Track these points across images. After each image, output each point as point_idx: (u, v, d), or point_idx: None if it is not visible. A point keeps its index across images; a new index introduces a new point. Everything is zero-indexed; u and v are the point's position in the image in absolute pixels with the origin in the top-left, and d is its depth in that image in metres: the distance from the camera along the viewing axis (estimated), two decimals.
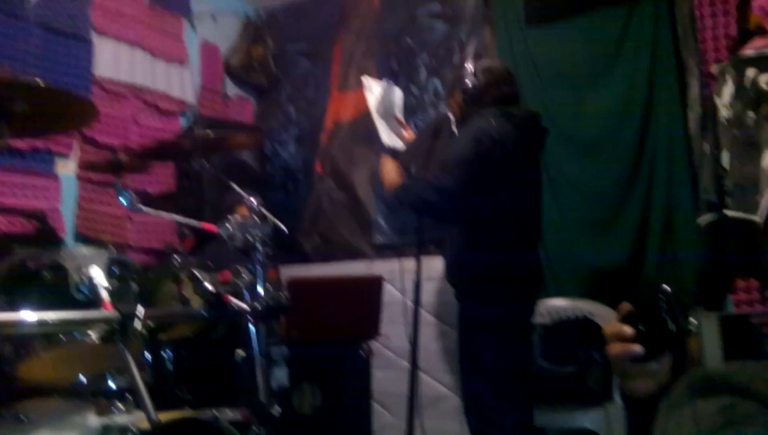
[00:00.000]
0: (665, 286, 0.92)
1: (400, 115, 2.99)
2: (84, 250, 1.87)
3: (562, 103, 3.07)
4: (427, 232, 2.77)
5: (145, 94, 3.67)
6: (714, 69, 2.54)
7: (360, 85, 3.84)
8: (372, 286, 2.46)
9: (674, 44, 2.89)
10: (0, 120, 1.68)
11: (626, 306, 0.97)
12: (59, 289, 1.71)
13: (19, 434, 1.54)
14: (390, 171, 2.50)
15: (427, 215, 2.41)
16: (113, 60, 3.51)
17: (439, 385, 3.01)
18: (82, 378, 1.89)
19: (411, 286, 2.70)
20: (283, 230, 2.14)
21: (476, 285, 2.18)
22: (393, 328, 2.87)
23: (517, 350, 2.24)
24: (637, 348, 0.91)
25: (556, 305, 2.84)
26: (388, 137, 2.80)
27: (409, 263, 2.90)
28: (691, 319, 2.16)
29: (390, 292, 3.00)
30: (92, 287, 1.70)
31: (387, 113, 2.88)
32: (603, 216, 2.95)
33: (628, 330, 0.92)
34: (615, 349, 0.93)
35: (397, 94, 2.98)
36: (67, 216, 3.25)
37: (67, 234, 3.23)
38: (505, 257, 2.17)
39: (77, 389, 1.88)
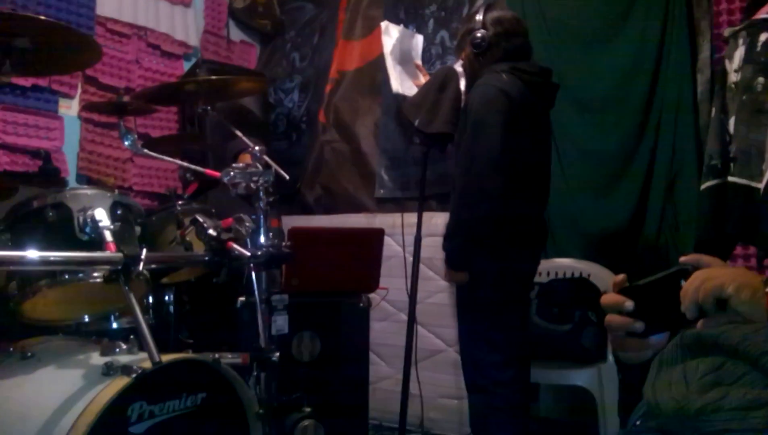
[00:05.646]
0: (688, 265, 0.89)
1: (419, 60, 2.96)
2: (88, 191, 1.87)
3: (570, 61, 3.03)
4: (429, 188, 2.78)
5: (148, 36, 3.62)
6: (726, 32, 2.49)
7: (366, 35, 3.81)
8: (373, 239, 2.47)
9: (687, 5, 2.83)
10: (1, 56, 1.67)
11: (621, 279, 0.94)
12: (63, 229, 1.73)
13: (24, 370, 1.58)
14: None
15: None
16: None
17: (436, 339, 3.07)
18: (86, 317, 1.93)
19: (411, 241, 2.73)
20: (285, 179, 2.14)
21: (486, 242, 2.19)
22: (392, 281, 2.90)
23: (515, 307, 2.27)
24: (638, 325, 0.89)
25: (554, 265, 2.87)
26: (399, 84, 2.79)
27: (411, 217, 2.92)
28: None
29: (390, 246, 3.03)
30: (96, 228, 1.71)
31: (404, 59, 2.86)
32: (606, 177, 2.94)
33: (628, 304, 0.90)
34: (614, 320, 0.92)
35: (418, 40, 2.96)
36: (70, 157, 3.25)
37: (70, 175, 3.24)
38: (512, 214, 2.16)
39: (81, 328, 1.92)
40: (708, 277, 0.86)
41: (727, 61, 2.42)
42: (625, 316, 0.91)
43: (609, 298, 0.93)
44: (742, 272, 0.88)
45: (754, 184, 2.24)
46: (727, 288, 0.84)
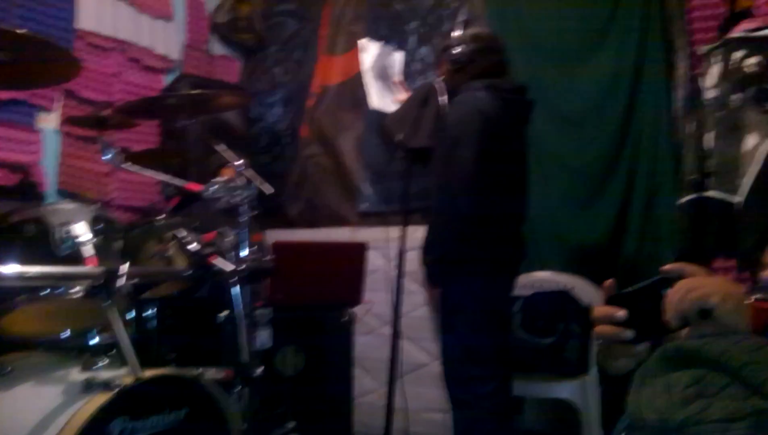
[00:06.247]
0: (672, 274, 0.91)
1: (399, 77, 2.98)
2: (67, 206, 1.85)
3: (550, 76, 3.07)
4: (412, 201, 2.78)
5: (129, 50, 3.60)
6: (702, 49, 2.55)
7: (348, 50, 3.83)
8: (356, 253, 2.47)
9: (663, 23, 2.89)
10: None
11: (610, 284, 0.97)
12: (42, 244, 1.70)
13: (2, 386, 1.55)
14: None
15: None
16: (97, 13, 3.44)
17: (420, 352, 3.06)
18: (66, 333, 1.89)
19: (395, 254, 2.73)
20: (268, 193, 2.14)
21: (462, 257, 2.20)
22: (376, 295, 2.89)
23: (497, 320, 2.28)
24: (628, 332, 0.91)
25: (537, 278, 2.88)
26: (378, 100, 2.80)
27: (394, 231, 2.93)
28: None
29: (374, 260, 3.03)
30: (76, 243, 1.69)
31: (383, 75, 2.88)
32: (586, 191, 2.98)
33: (620, 313, 0.91)
34: (604, 330, 0.93)
35: (397, 57, 2.98)
36: (49, 170, 3.21)
37: (50, 189, 3.20)
38: (489, 232, 2.18)
39: (61, 344, 1.89)
40: (692, 287, 0.87)
41: (702, 78, 2.47)
42: (615, 325, 0.92)
43: (601, 310, 0.94)
44: (725, 282, 0.89)
45: (731, 197, 2.28)
46: (711, 298, 0.85)
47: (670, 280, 0.91)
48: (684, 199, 2.46)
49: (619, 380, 0.98)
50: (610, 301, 0.94)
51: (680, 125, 2.79)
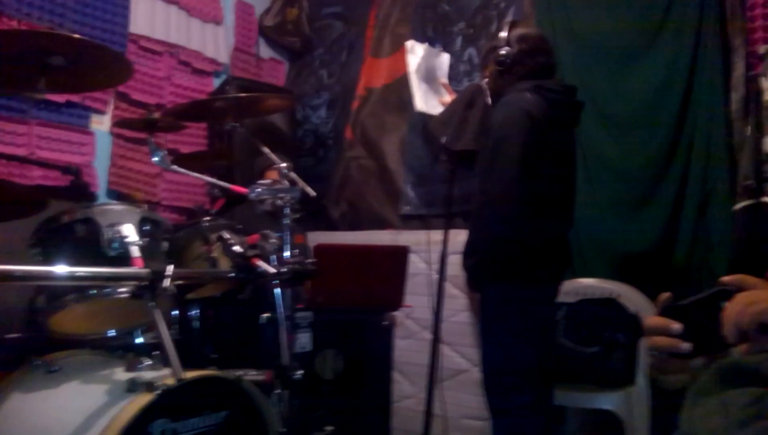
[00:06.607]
0: (731, 286, 0.86)
1: (445, 79, 2.96)
2: (116, 207, 1.89)
3: (600, 77, 3.00)
4: (455, 205, 2.75)
5: (179, 53, 3.67)
6: (761, 49, 2.45)
7: (394, 52, 3.82)
8: (398, 256, 2.46)
9: (721, 22, 2.79)
10: (37, 73, 1.70)
11: (666, 297, 0.92)
12: (91, 244, 1.75)
13: (49, 384, 1.59)
14: None
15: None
16: (149, 17, 3.52)
17: (460, 358, 3.03)
18: (112, 332, 1.94)
19: (437, 258, 2.70)
20: (311, 196, 2.14)
21: (504, 263, 2.16)
22: (417, 299, 2.88)
23: (539, 329, 2.22)
24: (685, 346, 0.86)
25: (583, 285, 2.82)
26: (423, 102, 2.78)
27: (436, 235, 2.90)
28: None
29: (415, 263, 3.01)
30: (123, 244, 1.72)
31: (430, 77, 2.86)
32: (636, 196, 2.89)
33: (675, 326, 0.87)
34: (659, 342, 0.88)
35: (444, 59, 2.96)
36: (100, 172, 3.30)
37: (100, 189, 3.29)
38: (534, 236, 2.13)
39: (107, 343, 1.93)
40: (752, 300, 0.83)
41: (762, 79, 2.37)
42: (671, 338, 0.88)
43: (654, 320, 0.90)
44: None
45: None
46: None
47: (729, 292, 0.86)
48: (739, 205, 2.37)
49: (672, 395, 0.93)
50: (664, 312, 0.90)
51: (736, 128, 2.68)
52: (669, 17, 2.90)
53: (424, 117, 2.97)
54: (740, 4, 2.73)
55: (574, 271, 2.73)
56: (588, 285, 2.81)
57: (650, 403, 2.41)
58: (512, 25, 2.31)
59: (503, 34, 2.28)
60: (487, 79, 2.43)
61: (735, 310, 0.83)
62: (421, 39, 3.40)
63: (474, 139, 2.62)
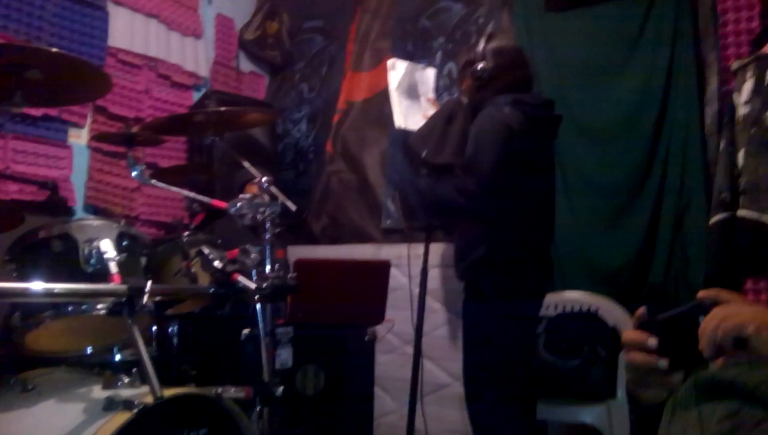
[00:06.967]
0: (707, 301, 0.88)
1: (431, 94, 2.96)
2: (94, 222, 1.87)
3: (578, 92, 3.04)
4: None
5: (159, 66, 3.66)
6: (734, 65, 2.50)
7: (375, 66, 3.84)
8: (379, 271, 2.45)
9: (695, 38, 2.84)
10: (14, 86, 1.68)
11: (642, 312, 0.93)
12: (68, 260, 1.72)
13: (25, 403, 1.56)
14: None
15: (457, 218, 2.36)
16: (128, 30, 3.50)
17: (442, 373, 3.02)
18: (89, 349, 1.91)
19: (418, 272, 2.71)
20: (292, 210, 2.14)
21: (485, 277, 2.17)
22: (398, 313, 2.87)
23: (521, 342, 2.23)
24: (663, 362, 0.87)
25: (564, 298, 2.83)
26: (403, 119, 2.79)
27: (417, 248, 2.90)
28: None
29: (396, 277, 3.01)
30: (101, 259, 1.70)
31: (412, 93, 2.87)
32: (613, 210, 2.92)
33: (652, 341, 0.87)
34: (636, 358, 0.89)
35: (429, 74, 2.97)
36: (77, 186, 3.26)
37: (78, 204, 3.25)
38: (516, 250, 2.15)
39: (84, 360, 1.90)
40: (727, 315, 0.84)
41: (735, 94, 2.42)
42: (648, 353, 0.89)
43: (631, 334, 0.90)
44: (762, 311, 0.85)
45: (763, 217, 2.22)
46: (747, 328, 0.81)
47: (705, 307, 0.87)
48: (714, 219, 2.40)
49: (651, 409, 0.94)
50: (642, 326, 0.91)
51: (711, 143, 2.73)
52: (645, 32, 2.95)
53: (405, 132, 2.98)
54: (713, 21, 2.80)
55: (553, 285, 2.74)
56: (567, 298, 2.83)
57: (630, 416, 2.43)
58: (489, 38, 2.32)
59: (479, 48, 2.29)
60: (465, 94, 2.44)
61: (711, 325, 0.84)
62: (401, 54, 3.42)
63: (453, 153, 2.63)
